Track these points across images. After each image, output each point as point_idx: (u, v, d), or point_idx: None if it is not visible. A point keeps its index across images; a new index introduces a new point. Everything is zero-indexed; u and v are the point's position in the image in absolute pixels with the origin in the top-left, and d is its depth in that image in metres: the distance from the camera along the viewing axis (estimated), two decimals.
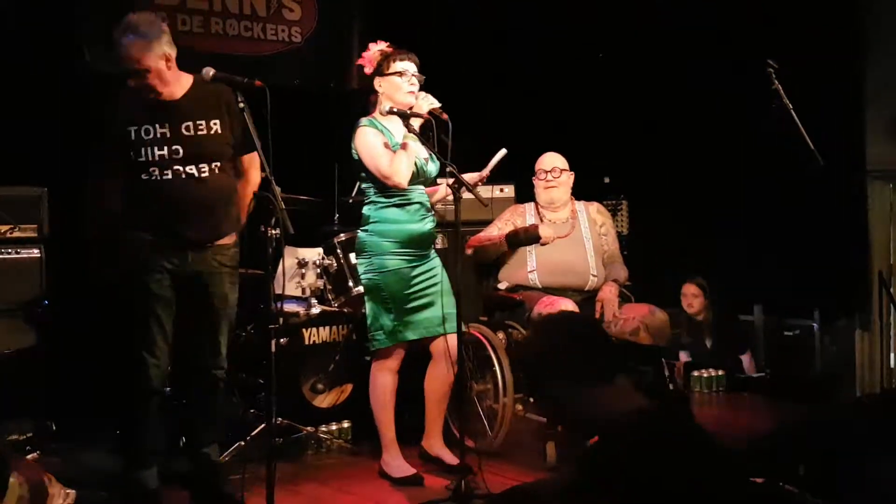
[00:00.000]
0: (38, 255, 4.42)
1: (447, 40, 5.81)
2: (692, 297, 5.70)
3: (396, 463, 3.88)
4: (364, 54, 3.89)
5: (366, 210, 3.87)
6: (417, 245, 3.83)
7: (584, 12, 6.12)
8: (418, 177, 3.80)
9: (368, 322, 3.86)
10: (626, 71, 6.11)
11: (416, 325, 3.82)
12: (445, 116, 3.67)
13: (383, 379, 3.88)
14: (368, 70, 3.86)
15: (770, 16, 5.29)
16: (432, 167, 3.89)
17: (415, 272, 3.82)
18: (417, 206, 3.83)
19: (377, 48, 3.87)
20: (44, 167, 4.62)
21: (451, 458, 3.93)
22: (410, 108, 3.73)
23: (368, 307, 3.86)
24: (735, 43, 5.35)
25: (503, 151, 3.98)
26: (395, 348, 3.84)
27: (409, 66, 3.81)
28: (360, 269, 3.87)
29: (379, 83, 3.83)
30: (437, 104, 3.72)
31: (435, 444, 4.02)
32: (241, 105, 3.16)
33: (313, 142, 5.29)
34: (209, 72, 3.22)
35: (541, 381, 2.23)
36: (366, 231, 3.84)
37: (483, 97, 6.01)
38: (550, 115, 6.04)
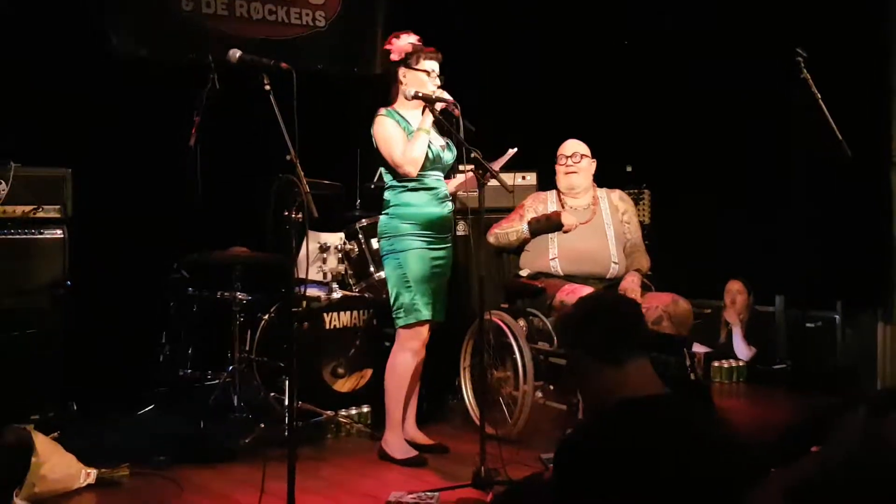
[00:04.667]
0: (62, 236, 4.42)
1: (470, 26, 5.79)
2: (736, 294, 5.68)
3: (399, 444, 3.97)
4: (393, 41, 3.96)
5: (386, 195, 4.00)
6: (435, 228, 3.94)
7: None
8: (434, 163, 3.91)
9: (391, 302, 3.95)
10: (651, 60, 6.07)
11: (431, 306, 3.91)
12: (458, 112, 3.78)
13: (403, 358, 3.95)
14: (395, 57, 3.95)
15: (797, 5, 5.24)
16: (448, 155, 4.00)
17: (432, 254, 3.93)
18: (435, 191, 3.94)
19: (408, 39, 3.95)
20: (68, 148, 4.63)
21: (424, 439, 4.09)
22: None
23: (390, 289, 3.95)
24: (762, 33, 5.30)
25: (514, 150, 4.04)
26: (416, 327, 3.90)
27: (435, 67, 3.93)
28: (382, 252, 4.00)
29: (404, 73, 3.93)
30: (448, 98, 3.82)
31: (409, 427, 4.11)
32: (267, 88, 3.15)
33: (336, 127, 5.29)
34: (235, 54, 3.21)
35: (575, 345, 2.23)
36: (386, 214, 3.97)
37: (507, 84, 5.99)
38: (574, 103, 6.00)
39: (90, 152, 4.76)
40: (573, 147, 4.50)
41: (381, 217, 4.01)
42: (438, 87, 3.90)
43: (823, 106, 3.88)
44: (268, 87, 3.14)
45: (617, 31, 6.27)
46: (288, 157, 3.11)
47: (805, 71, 3.89)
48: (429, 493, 3.39)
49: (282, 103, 3.10)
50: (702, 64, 5.74)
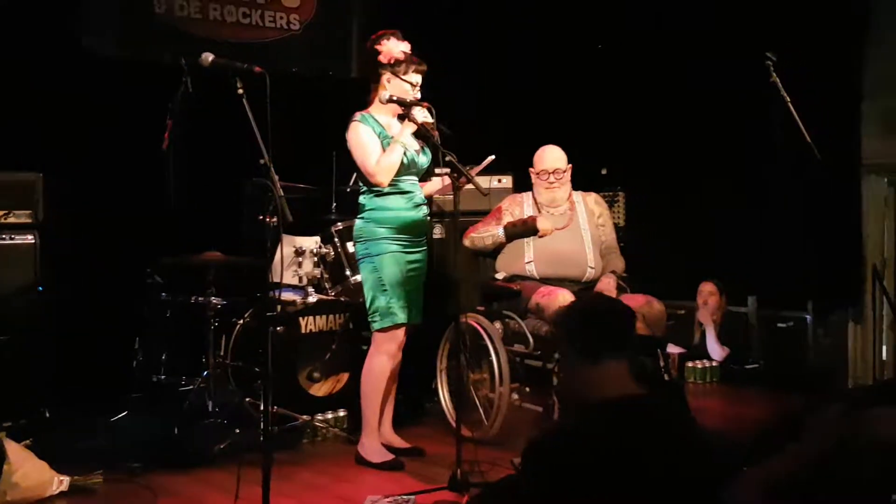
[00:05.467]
0: (33, 241, 4.38)
1: (444, 29, 5.79)
2: (708, 295, 5.73)
3: (376, 448, 3.96)
4: (383, 42, 3.89)
5: (361, 198, 3.99)
6: (410, 232, 3.94)
7: (583, 3, 6.13)
8: (409, 168, 3.91)
9: (367, 305, 3.94)
10: (625, 63, 6.11)
11: (406, 309, 3.91)
12: (436, 133, 3.77)
13: (378, 362, 3.94)
14: (383, 60, 3.88)
15: (768, 10, 5.29)
16: (423, 159, 3.99)
17: (408, 258, 3.93)
18: (409, 195, 3.94)
19: (400, 46, 3.89)
20: (39, 152, 4.58)
21: (400, 443, 4.11)
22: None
23: (366, 292, 3.94)
24: (733, 37, 5.35)
25: (491, 157, 4.00)
26: (393, 330, 3.90)
27: (419, 80, 3.90)
28: (357, 256, 3.99)
29: (388, 79, 3.89)
30: (430, 119, 3.80)
31: (385, 430, 4.11)
32: (241, 91, 3.13)
33: (311, 130, 5.28)
34: (208, 57, 3.19)
35: (562, 338, 2.27)
36: (361, 218, 3.97)
37: (480, 87, 6.00)
38: (548, 105, 6.03)
39: (61, 156, 4.72)
40: (554, 161, 4.44)
41: (357, 221, 4.00)
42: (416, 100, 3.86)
43: (793, 109, 3.92)
44: (241, 91, 3.12)
45: (591, 35, 6.31)
46: (262, 162, 3.10)
47: (774, 74, 3.91)
48: (405, 497, 3.40)
49: (259, 106, 3.09)
50: (678, 66, 5.80)
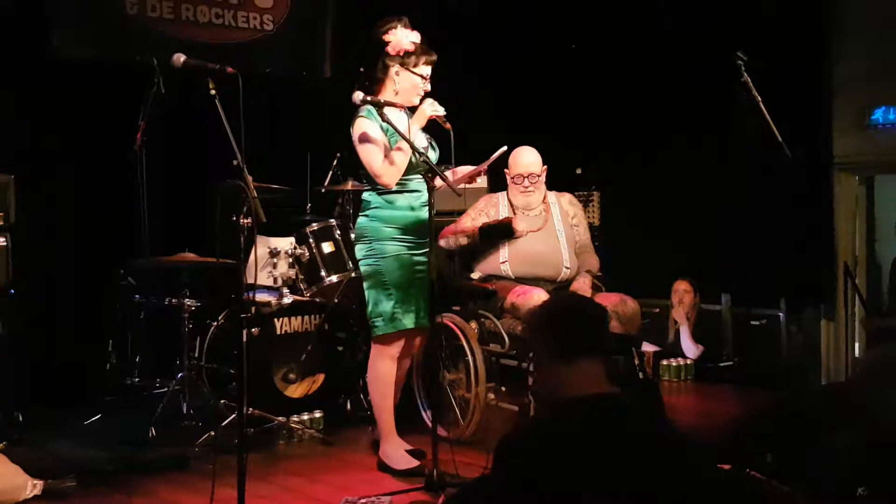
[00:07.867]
0: (4, 244, 4.33)
1: (419, 27, 5.79)
2: (683, 294, 5.76)
3: (399, 454, 3.83)
4: (392, 32, 3.74)
5: (366, 195, 3.83)
6: (416, 233, 3.77)
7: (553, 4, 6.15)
8: (417, 166, 3.71)
9: (368, 309, 3.80)
10: (599, 63, 6.14)
11: (414, 313, 3.77)
12: (448, 126, 3.64)
13: (384, 366, 3.82)
14: (392, 52, 3.73)
15: (739, 8, 5.34)
16: (433, 155, 3.82)
17: (414, 258, 3.78)
18: (417, 193, 3.78)
19: (410, 37, 3.74)
20: (10, 154, 4.54)
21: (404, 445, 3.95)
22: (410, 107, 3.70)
23: (368, 294, 3.79)
24: (704, 36, 5.39)
25: (503, 149, 3.92)
26: (396, 335, 3.78)
27: (429, 72, 3.77)
28: (360, 255, 3.81)
29: (397, 71, 3.74)
30: (440, 112, 3.69)
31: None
32: (213, 92, 3.12)
33: (285, 131, 5.27)
34: (180, 58, 3.17)
35: (534, 339, 2.28)
36: (366, 216, 3.80)
37: (455, 85, 5.99)
38: (523, 105, 6.04)
39: (33, 157, 4.69)
40: (529, 166, 4.41)
41: (360, 218, 3.82)
42: (426, 93, 3.75)
43: (764, 108, 3.95)
44: (213, 92, 3.10)
45: (562, 35, 6.33)
46: (235, 162, 3.08)
47: (745, 74, 3.94)
48: (381, 498, 3.39)
49: (232, 106, 3.07)
50: (651, 65, 5.83)
